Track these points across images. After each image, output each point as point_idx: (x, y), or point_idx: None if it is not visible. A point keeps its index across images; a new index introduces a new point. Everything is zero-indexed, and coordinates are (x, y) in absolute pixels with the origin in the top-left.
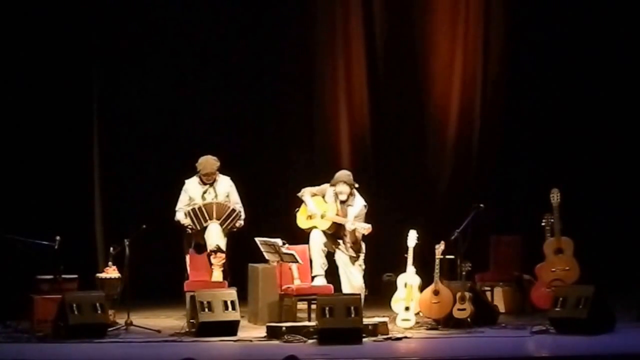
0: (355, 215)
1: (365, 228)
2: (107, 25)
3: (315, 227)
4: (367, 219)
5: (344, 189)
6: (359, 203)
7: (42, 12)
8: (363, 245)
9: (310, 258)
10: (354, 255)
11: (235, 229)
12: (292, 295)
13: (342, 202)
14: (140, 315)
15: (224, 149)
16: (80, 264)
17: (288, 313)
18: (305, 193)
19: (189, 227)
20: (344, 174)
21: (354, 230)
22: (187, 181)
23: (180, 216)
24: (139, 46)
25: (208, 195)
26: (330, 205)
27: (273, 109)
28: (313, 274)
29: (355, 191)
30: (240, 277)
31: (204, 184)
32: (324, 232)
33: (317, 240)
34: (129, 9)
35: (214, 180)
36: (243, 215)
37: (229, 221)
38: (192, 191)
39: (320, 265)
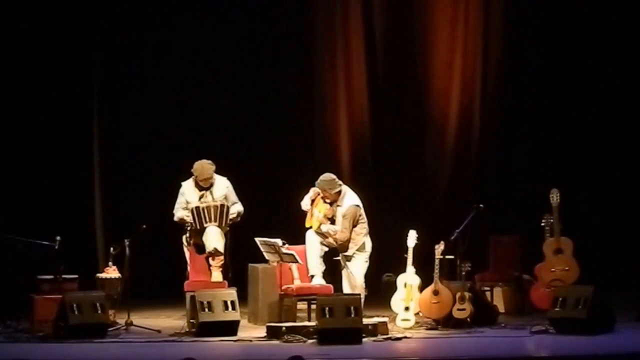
0: (343, 215)
1: (333, 231)
2: (109, 27)
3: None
4: (368, 219)
5: (327, 195)
6: (347, 203)
7: (43, 12)
8: (366, 244)
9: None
10: (346, 253)
11: (232, 222)
12: (292, 295)
13: (331, 203)
14: (140, 315)
15: (224, 149)
16: (80, 264)
17: (288, 313)
18: (311, 191)
19: (189, 224)
20: (323, 183)
21: (328, 232)
22: (183, 184)
23: (183, 213)
24: (140, 48)
25: (205, 199)
26: (320, 205)
27: (273, 109)
28: (310, 274)
29: (346, 190)
30: (240, 277)
31: (201, 188)
32: (316, 231)
33: (312, 240)
34: (131, 12)
35: (211, 185)
36: (241, 209)
37: (224, 218)
38: (188, 195)
39: (316, 265)
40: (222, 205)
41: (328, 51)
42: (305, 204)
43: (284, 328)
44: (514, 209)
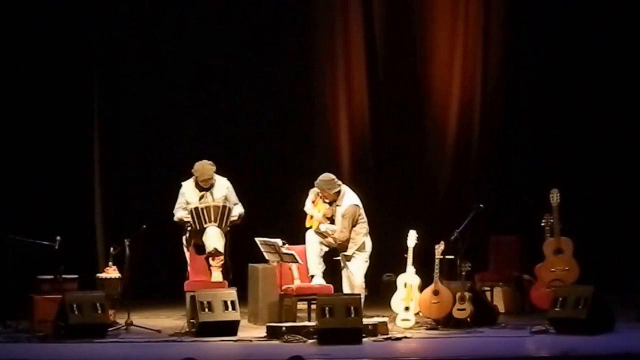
0: (342, 214)
1: (331, 230)
2: (108, 27)
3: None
4: (368, 219)
5: (326, 195)
6: (346, 202)
7: (44, 14)
8: (366, 244)
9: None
10: (346, 253)
11: (232, 224)
12: (292, 295)
13: (330, 203)
14: (141, 315)
15: (224, 149)
16: (80, 264)
17: (288, 313)
18: (311, 193)
19: (189, 224)
20: (322, 183)
21: (327, 232)
22: (183, 184)
23: (183, 213)
24: (140, 48)
25: (205, 200)
26: (320, 205)
27: (273, 110)
28: (310, 274)
29: (345, 190)
30: (240, 277)
31: (201, 188)
32: (316, 231)
33: (312, 240)
34: (131, 13)
35: (211, 185)
36: (242, 210)
37: (224, 219)
38: (188, 195)
39: (315, 265)
40: (225, 207)
41: (328, 51)
42: (308, 208)
43: (284, 328)
44: (514, 209)
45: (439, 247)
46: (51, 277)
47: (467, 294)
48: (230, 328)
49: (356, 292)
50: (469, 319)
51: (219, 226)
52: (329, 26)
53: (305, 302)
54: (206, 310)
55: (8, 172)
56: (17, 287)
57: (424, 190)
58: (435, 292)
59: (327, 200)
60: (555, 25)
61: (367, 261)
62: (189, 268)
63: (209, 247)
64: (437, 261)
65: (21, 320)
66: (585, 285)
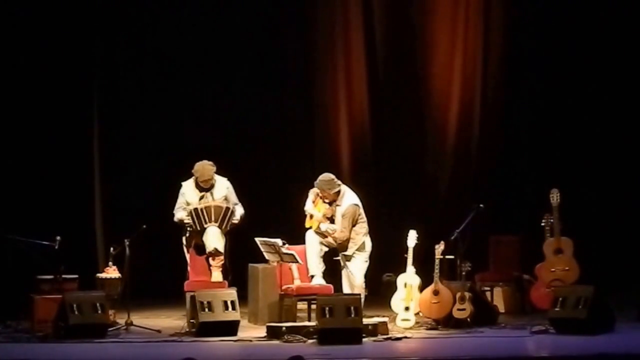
0: (342, 214)
1: (332, 230)
2: (108, 27)
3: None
4: (368, 218)
5: (325, 195)
6: (346, 202)
7: (44, 15)
8: (366, 244)
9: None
10: (346, 253)
11: (232, 225)
12: (292, 295)
13: (330, 203)
14: (141, 315)
15: (224, 149)
16: (80, 264)
17: (288, 313)
18: (310, 193)
19: (189, 225)
20: (322, 183)
21: (327, 231)
22: (184, 184)
23: (183, 214)
24: (140, 48)
25: (205, 200)
26: (320, 205)
27: (273, 110)
28: (310, 274)
29: (345, 190)
30: (240, 277)
31: (201, 189)
32: (316, 231)
33: (312, 240)
34: (131, 14)
35: (212, 186)
36: (242, 212)
37: (225, 221)
38: (188, 195)
39: (315, 265)
40: (227, 209)
41: (328, 51)
42: (308, 208)
43: (284, 328)
44: (514, 209)
45: (439, 247)
46: (51, 277)
47: (467, 294)
48: (230, 328)
49: (356, 292)
50: (469, 319)
51: (219, 226)
52: (329, 26)
53: (305, 302)
54: (206, 310)
55: (8, 172)
56: (17, 287)
57: (424, 190)
58: (435, 292)
59: (327, 200)
60: (555, 26)
61: (367, 261)
62: (189, 268)
63: (209, 247)
64: (437, 261)
65: (21, 320)
66: (585, 285)
